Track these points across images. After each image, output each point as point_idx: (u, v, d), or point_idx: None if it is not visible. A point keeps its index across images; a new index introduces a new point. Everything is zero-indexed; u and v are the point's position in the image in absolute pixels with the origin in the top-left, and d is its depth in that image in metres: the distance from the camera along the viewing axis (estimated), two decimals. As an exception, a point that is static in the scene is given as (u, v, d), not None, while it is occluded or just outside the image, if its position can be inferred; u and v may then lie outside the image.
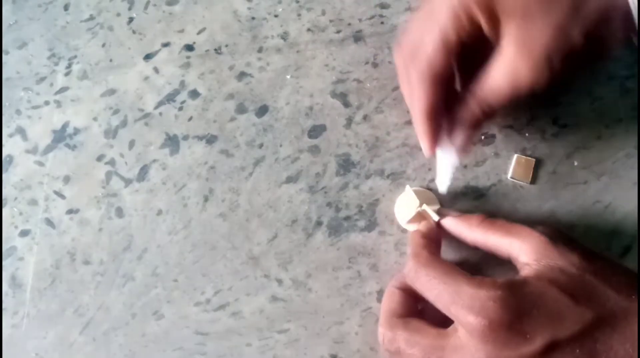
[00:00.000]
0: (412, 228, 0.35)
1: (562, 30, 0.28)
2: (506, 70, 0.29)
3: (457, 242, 0.33)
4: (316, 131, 0.38)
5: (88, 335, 0.36)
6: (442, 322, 0.29)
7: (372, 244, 0.36)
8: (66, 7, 0.43)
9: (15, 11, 0.43)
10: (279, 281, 0.36)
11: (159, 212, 0.38)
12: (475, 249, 0.33)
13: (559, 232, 0.30)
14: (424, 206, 0.34)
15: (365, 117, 0.38)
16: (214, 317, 0.36)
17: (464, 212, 0.34)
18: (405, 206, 0.35)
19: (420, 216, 0.34)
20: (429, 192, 0.36)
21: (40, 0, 0.43)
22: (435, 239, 0.33)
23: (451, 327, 0.28)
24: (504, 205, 0.36)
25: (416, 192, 0.34)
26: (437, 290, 0.28)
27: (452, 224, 0.33)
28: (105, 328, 0.36)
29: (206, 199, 0.38)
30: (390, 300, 0.31)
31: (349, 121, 0.38)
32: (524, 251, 0.29)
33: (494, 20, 0.28)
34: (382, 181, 0.37)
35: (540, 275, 0.28)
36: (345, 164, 0.37)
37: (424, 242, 0.31)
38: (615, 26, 0.29)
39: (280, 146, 0.38)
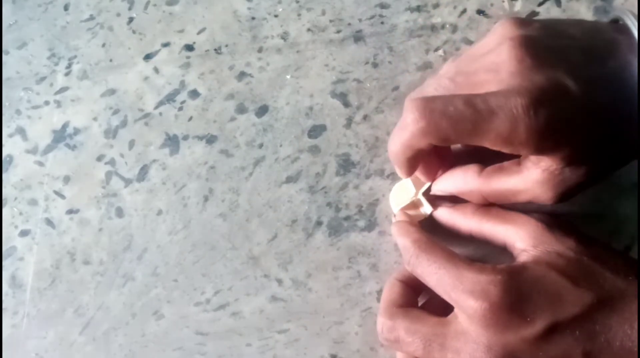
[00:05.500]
0: (402, 215, 0.35)
1: (601, 170, 0.28)
2: (528, 193, 0.29)
3: (449, 238, 0.33)
4: (316, 131, 0.38)
5: (88, 335, 0.36)
6: (440, 316, 0.29)
7: (372, 244, 0.36)
8: (66, 7, 0.43)
9: (15, 11, 0.43)
10: (279, 281, 0.36)
11: (159, 212, 0.38)
12: (466, 245, 0.33)
13: (554, 217, 0.30)
14: (420, 196, 0.34)
15: (365, 117, 0.38)
16: (214, 317, 0.36)
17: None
18: (401, 193, 0.35)
19: (414, 204, 0.35)
20: (425, 182, 0.36)
21: (40, 0, 0.43)
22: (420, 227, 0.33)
23: (451, 314, 0.28)
24: (504, 205, 0.35)
25: (414, 180, 0.35)
26: (438, 274, 0.28)
27: (446, 214, 0.33)
28: (105, 328, 0.36)
29: (206, 199, 0.38)
30: (391, 291, 0.31)
31: (349, 121, 0.38)
32: (520, 237, 0.29)
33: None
34: (382, 181, 0.37)
35: (539, 259, 0.28)
36: (345, 164, 0.37)
37: (417, 229, 0.31)
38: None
39: (280, 146, 0.38)
